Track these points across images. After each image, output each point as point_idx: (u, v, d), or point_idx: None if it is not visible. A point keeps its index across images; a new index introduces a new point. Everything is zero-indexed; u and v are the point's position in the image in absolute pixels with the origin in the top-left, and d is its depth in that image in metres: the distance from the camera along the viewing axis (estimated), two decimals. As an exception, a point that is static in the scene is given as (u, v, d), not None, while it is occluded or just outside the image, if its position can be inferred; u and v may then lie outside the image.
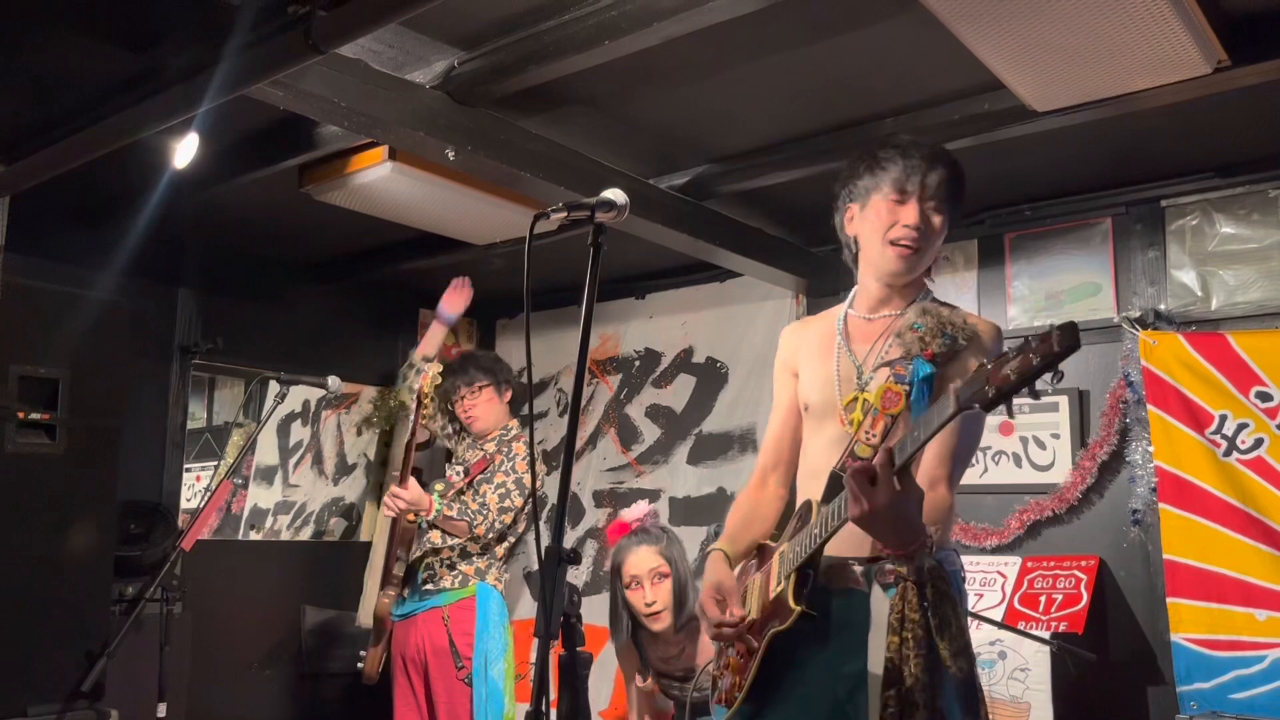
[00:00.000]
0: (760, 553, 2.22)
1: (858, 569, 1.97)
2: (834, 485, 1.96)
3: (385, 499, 3.70)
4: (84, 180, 3.46)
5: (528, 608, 5.08)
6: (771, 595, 2.03)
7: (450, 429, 4.11)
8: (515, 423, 4.06)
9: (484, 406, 3.95)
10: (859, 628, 1.94)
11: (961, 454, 2.00)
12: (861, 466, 1.70)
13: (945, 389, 1.75)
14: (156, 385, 4.52)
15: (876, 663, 1.85)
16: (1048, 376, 1.51)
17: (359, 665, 3.83)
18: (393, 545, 3.73)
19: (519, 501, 3.80)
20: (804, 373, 2.22)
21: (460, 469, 3.91)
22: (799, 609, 1.93)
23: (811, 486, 2.10)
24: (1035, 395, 1.55)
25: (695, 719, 3.35)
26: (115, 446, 3.61)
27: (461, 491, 3.85)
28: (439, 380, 3.98)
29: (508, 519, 3.79)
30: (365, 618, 4.33)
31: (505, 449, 3.92)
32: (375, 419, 5.44)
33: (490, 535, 3.76)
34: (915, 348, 1.97)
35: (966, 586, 2.30)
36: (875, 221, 2.10)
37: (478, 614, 3.76)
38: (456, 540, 3.76)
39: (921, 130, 3.19)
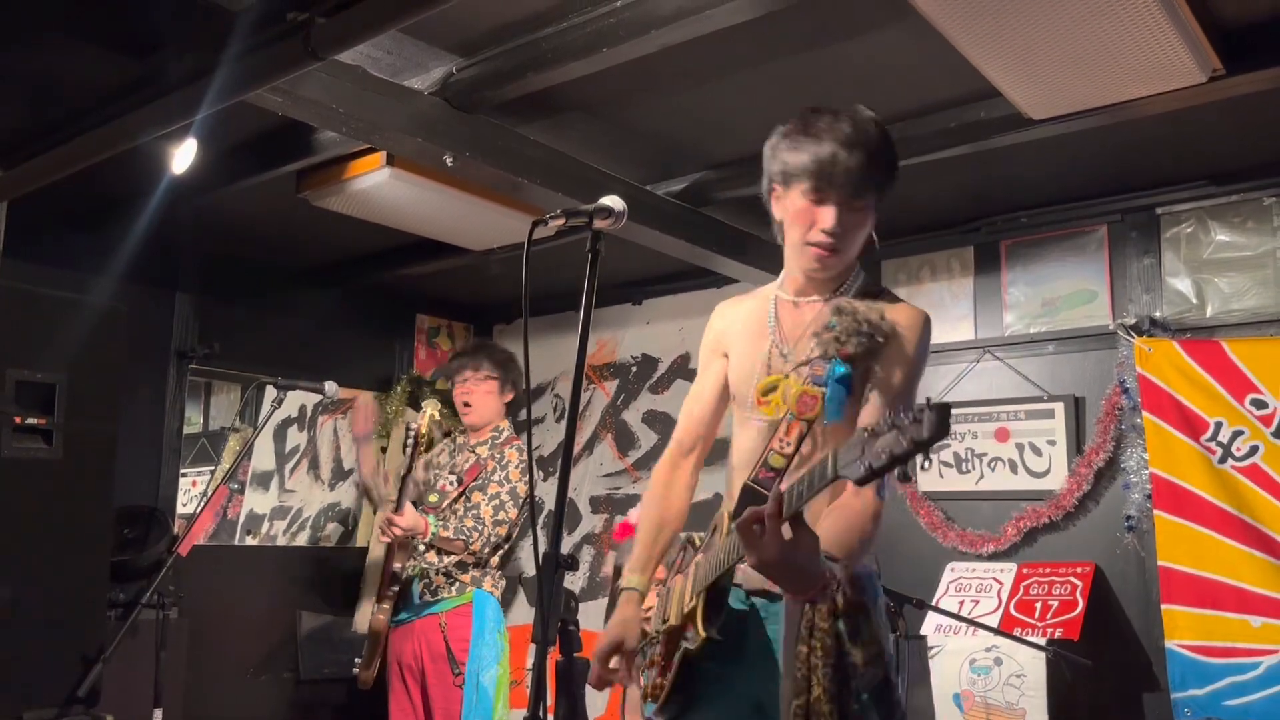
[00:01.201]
0: (683, 552, 2.17)
1: None
2: (745, 499, 1.89)
3: (379, 524, 3.68)
4: (82, 185, 3.46)
5: (524, 613, 5.07)
6: (685, 608, 1.99)
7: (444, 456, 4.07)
8: (508, 424, 4.04)
9: (482, 397, 3.93)
10: (771, 636, 1.93)
11: None
12: (749, 517, 1.61)
13: (873, 410, 1.76)
14: (153, 390, 4.52)
15: (788, 671, 1.81)
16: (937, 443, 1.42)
17: (354, 671, 3.83)
18: (389, 561, 3.73)
19: (513, 514, 3.79)
20: (734, 356, 2.16)
21: (453, 477, 3.89)
22: (704, 636, 1.90)
23: (734, 484, 2.05)
24: (905, 478, 1.50)
25: None
26: (112, 451, 3.60)
27: (455, 500, 3.84)
28: (438, 418, 3.96)
29: (502, 531, 3.78)
30: (361, 624, 4.32)
31: (498, 454, 3.90)
32: (375, 423, 5.43)
33: (486, 550, 3.76)
34: (831, 348, 1.88)
35: (962, 593, 2.28)
36: (794, 216, 2.00)
37: (474, 620, 3.76)
38: (452, 557, 3.76)
39: (918, 138, 3.21)
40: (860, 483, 1.49)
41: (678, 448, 2.31)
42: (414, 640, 3.77)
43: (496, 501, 3.79)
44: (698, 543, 2.16)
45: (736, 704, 1.96)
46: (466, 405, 3.92)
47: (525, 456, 3.90)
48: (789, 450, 1.89)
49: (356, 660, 3.81)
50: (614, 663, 2.05)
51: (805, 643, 1.74)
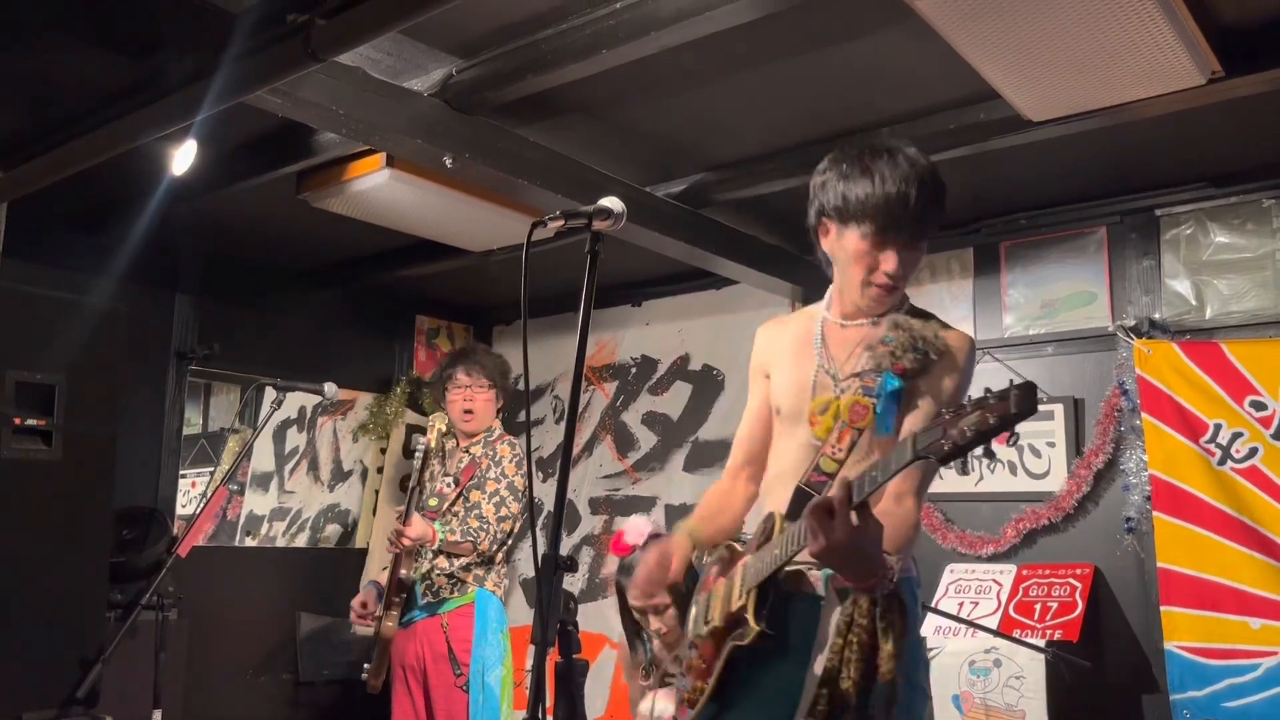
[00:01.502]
0: (728, 556, 2.20)
1: (815, 575, 1.98)
2: (798, 500, 1.95)
3: (389, 537, 3.66)
4: (82, 186, 3.46)
5: (524, 614, 5.07)
6: (734, 607, 2.03)
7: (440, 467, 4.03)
8: (498, 423, 4.03)
9: (483, 405, 3.91)
10: (814, 632, 1.95)
11: (929, 468, 1.94)
12: (820, 503, 1.66)
13: (922, 417, 1.79)
14: (153, 391, 4.52)
15: (819, 663, 1.87)
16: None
17: (363, 676, 3.82)
18: (395, 568, 3.72)
19: (515, 508, 3.79)
20: (776, 375, 2.20)
21: (449, 479, 3.88)
22: (758, 629, 1.93)
23: (778, 491, 2.09)
24: (989, 455, 1.54)
25: None
26: (111, 452, 3.60)
27: (453, 501, 3.84)
28: (444, 430, 3.95)
29: (506, 527, 3.78)
30: (361, 626, 4.30)
31: (490, 451, 3.88)
32: (371, 426, 5.43)
33: (494, 548, 3.77)
34: (886, 362, 1.94)
35: (962, 595, 2.31)
36: (853, 259, 2.03)
37: (476, 620, 3.75)
38: (460, 560, 3.76)
39: (917, 139, 3.21)
40: (943, 460, 1.54)
41: (732, 464, 2.36)
42: (416, 641, 3.76)
43: (497, 499, 3.79)
44: (739, 547, 2.18)
45: (779, 702, 1.97)
46: (468, 413, 3.89)
47: (519, 451, 3.90)
48: (841, 456, 1.95)
49: (366, 666, 3.79)
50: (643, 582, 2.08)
51: (843, 635, 1.81)
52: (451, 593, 3.77)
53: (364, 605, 3.78)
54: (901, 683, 1.82)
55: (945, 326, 2.05)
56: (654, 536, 3.30)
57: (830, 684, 1.81)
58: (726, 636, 2.03)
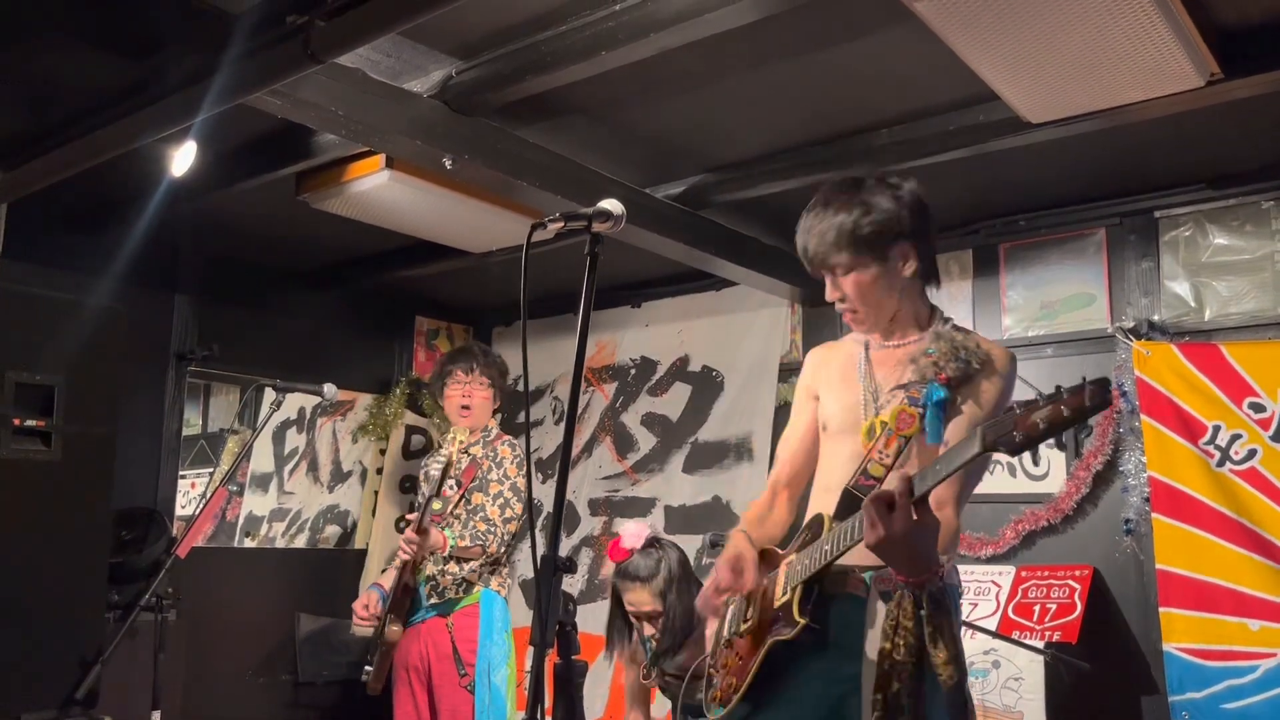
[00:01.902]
0: (764, 558, 2.22)
1: (861, 575, 2.02)
2: (846, 502, 2.00)
3: (401, 544, 3.65)
4: (81, 187, 3.47)
5: (523, 615, 5.07)
6: (776, 603, 2.06)
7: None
8: (495, 422, 4.05)
9: (480, 401, 3.91)
10: (856, 632, 1.99)
11: (970, 478, 2.03)
12: (881, 494, 1.72)
13: (966, 422, 1.86)
14: (152, 392, 4.52)
15: (869, 667, 1.91)
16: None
17: (364, 679, 3.81)
18: (403, 575, 3.72)
19: (519, 508, 3.79)
20: (825, 396, 2.27)
21: (451, 482, 3.88)
22: (804, 622, 1.97)
23: (824, 500, 2.14)
24: (1061, 445, 1.61)
25: (686, 717, 3.36)
26: (110, 453, 3.61)
27: (456, 504, 3.83)
28: (462, 441, 3.95)
29: (513, 528, 3.79)
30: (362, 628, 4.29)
31: (491, 452, 3.88)
32: (371, 427, 5.43)
33: (502, 549, 3.78)
34: (930, 372, 2.01)
35: (961, 596, 2.33)
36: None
37: (481, 620, 3.76)
38: (468, 565, 3.76)
39: (916, 141, 3.22)
40: (1014, 452, 1.60)
41: (774, 480, 2.41)
42: (420, 642, 3.77)
43: (501, 500, 3.79)
44: (778, 551, 2.23)
45: (814, 701, 2.02)
46: (466, 408, 3.89)
47: (519, 451, 3.90)
48: (888, 461, 2.01)
49: (367, 668, 3.79)
50: (725, 585, 2.12)
51: (889, 639, 1.85)
52: (457, 593, 3.77)
53: (366, 608, 3.78)
54: (954, 687, 1.85)
55: (985, 340, 2.11)
56: (652, 541, 3.30)
57: (884, 689, 1.85)
58: (766, 633, 2.06)
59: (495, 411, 4.06)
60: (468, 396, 3.89)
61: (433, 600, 3.77)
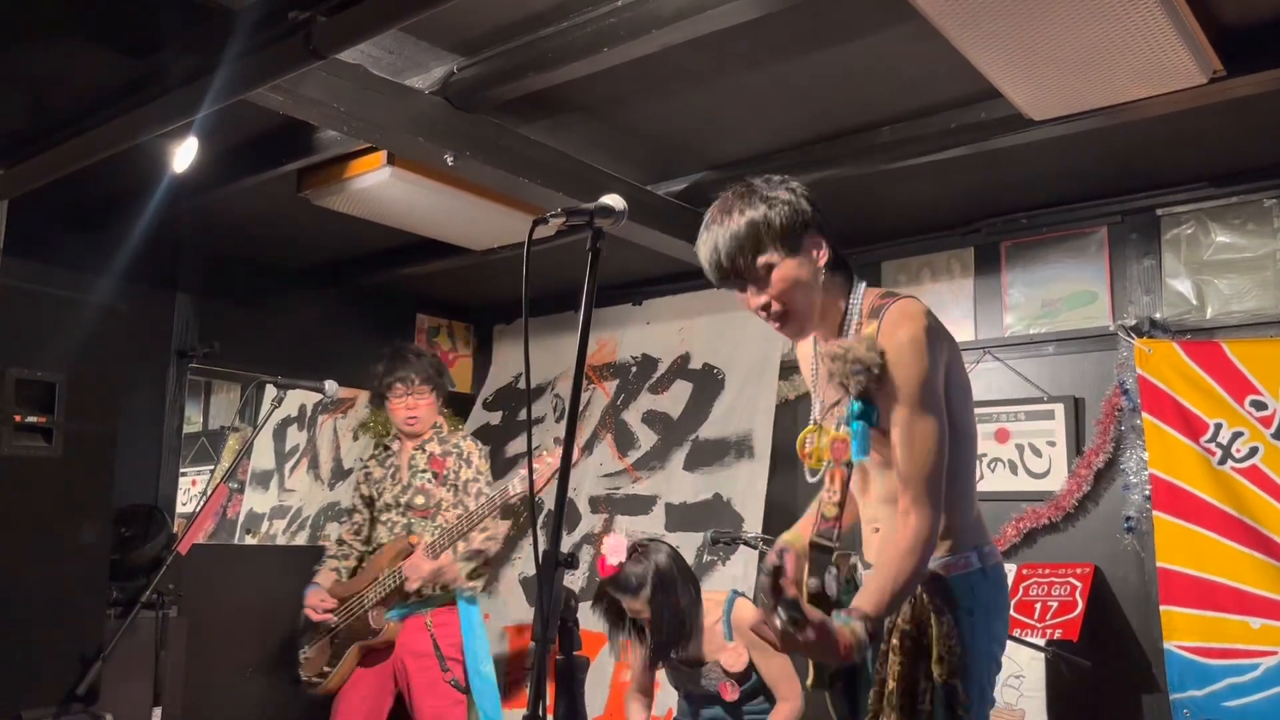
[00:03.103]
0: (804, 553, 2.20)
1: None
2: (815, 555, 2.02)
3: (413, 576, 3.69)
4: (82, 184, 3.46)
5: (524, 612, 5.07)
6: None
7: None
8: (443, 419, 4.12)
9: (425, 409, 3.97)
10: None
11: (925, 463, 1.92)
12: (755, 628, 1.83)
13: (897, 409, 1.91)
14: (153, 389, 4.52)
15: (870, 665, 1.98)
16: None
17: (313, 677, 3.81)
18: (388, 582, 3.78)
19: (489, 492, 3.88)
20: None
21: (426, 474, 3.92)
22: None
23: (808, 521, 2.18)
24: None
25: (699, 705, 3.37)
26: (111, 450, 3.60)
27: (438, 500, 3.90)
28: (419, 444, 4.01)
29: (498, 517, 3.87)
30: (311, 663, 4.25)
31: (455, 449, 3.97)
32: (372, 424, 5.43)
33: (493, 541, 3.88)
34: (842, 393, 1.97)
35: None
36: None
37: (462, 618, 3.82)
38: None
39: (919, 138, 3.21)
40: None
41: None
42: (397, 639, 3.79)
43: (483, 498, 3.86)
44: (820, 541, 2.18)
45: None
46: (413, 418, 3.95)
47: (481, 445, 4.05)
48: (837, 498, 2.02)
49: (326, 670, 3.79)
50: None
51: (886, 641, 1.93)
52: (436, 593, 3.81)
53: (321, 600, 3.82)
54: (960, 684, 1.88)
55: (890, 303, 2.00)
56: (636, 548, 3.30)
57: (880, 684, 1.93)
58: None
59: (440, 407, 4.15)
60: (412, 408, 3.95)
61: (412, 600, 3.79)
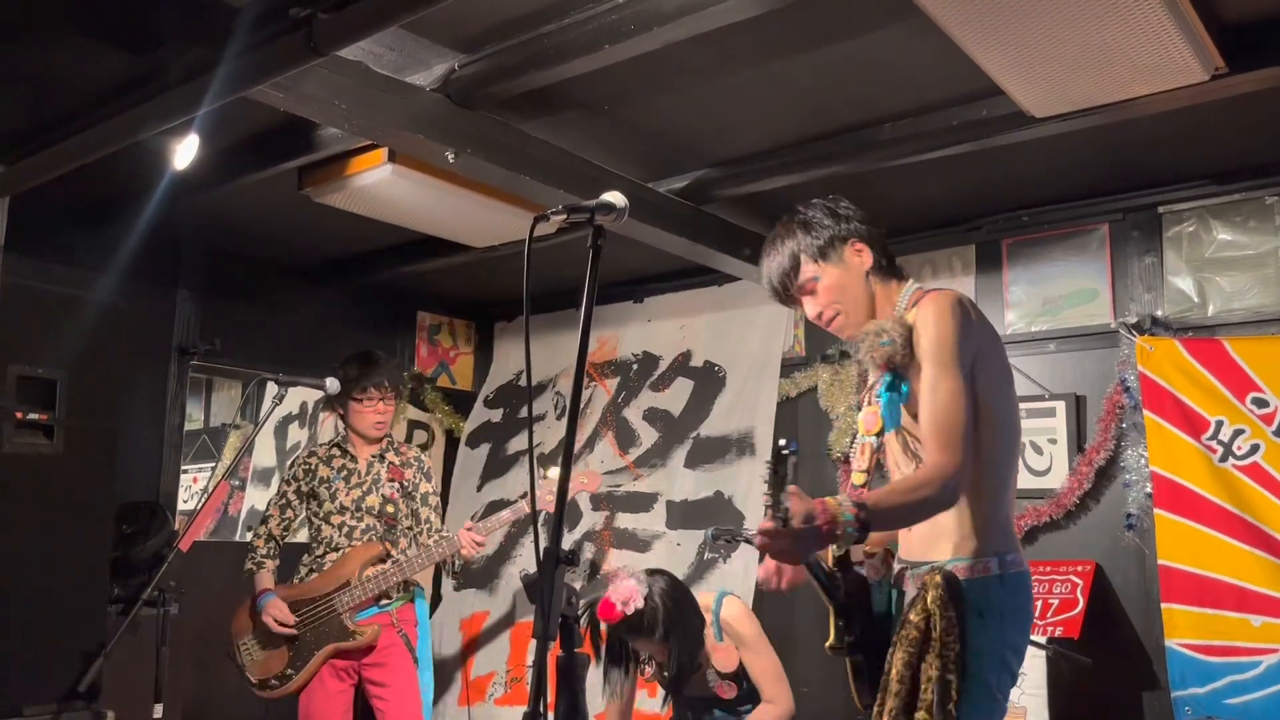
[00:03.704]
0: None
1: (909, 574, 2.16)
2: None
3: (470, 545, 3.84)
4: (84, 181, 3.46)
5: (526, 610, 5.07)
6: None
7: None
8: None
9: (390, 414, 4.00)
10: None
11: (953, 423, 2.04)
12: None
13: (924, 383, 2.04)
14: (154, 386, 4.52)
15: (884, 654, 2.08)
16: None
17: (270, 679, 3.79)
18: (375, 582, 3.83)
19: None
20: None
21: (395, 485, 3.94)
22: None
23: None
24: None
25: (699, 711, 3.36)
26: (113, 447, 3.61)
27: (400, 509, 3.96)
28: (378, 452, 4.03)
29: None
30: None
31: (414, 462, 4.04)
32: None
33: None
34: (871, 367, 2.15)
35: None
36: None
37: (418, 612, 3.96)
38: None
39: (920, 136, 3.21)
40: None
41: None
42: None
43: (434, 499, 4.05)
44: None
45: None
46: (380, 424, 3.96)
47: (422, 454, 4.14)
48: (865, 466, 2.21)
49: (288, 673, 3.76)
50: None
51: (899, 631, 2.03)
52: (399, 593, 3.90)
53: (283, 613, 3.78)
54: (955, 680, 1.94)
55: (925, 302, 2.15)
56: (637, 593, 3.25)
57: (889, 668, 2.02)
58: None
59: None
60: (383, 414, 3.96)
61: (382, 604, 3.85)
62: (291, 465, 4.05)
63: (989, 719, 2.01)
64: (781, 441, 1.94)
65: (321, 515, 3.89)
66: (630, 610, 3.17)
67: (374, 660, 3.81)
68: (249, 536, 4.13)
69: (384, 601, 3.84)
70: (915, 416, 2.07)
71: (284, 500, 3.96)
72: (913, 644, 1.98)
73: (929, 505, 1.97)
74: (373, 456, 3.97)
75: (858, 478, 2.21)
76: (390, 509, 3.91)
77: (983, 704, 1.98)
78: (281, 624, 3.73)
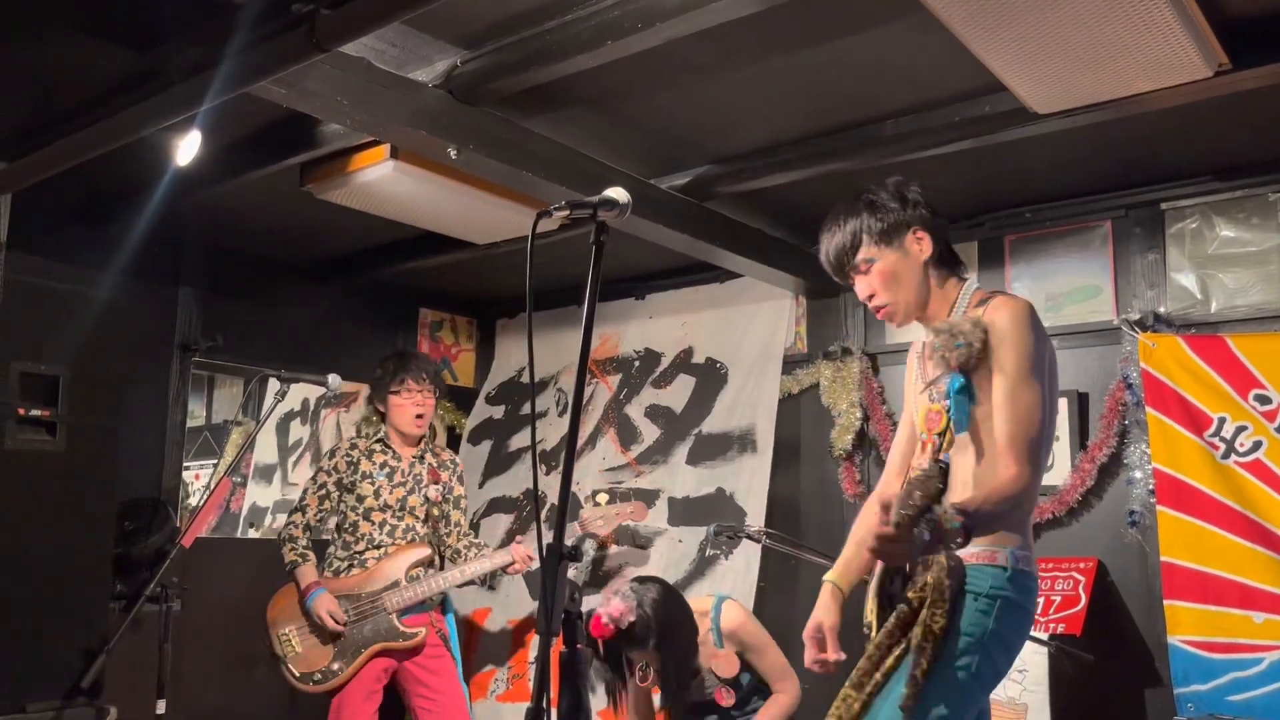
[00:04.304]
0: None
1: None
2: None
3: (522, 560, 3.95)
4: (86, 178, 3.47)
5: (528, 605, 5.07)
6: (867, 618, 2.23)
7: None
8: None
9: (430, 410, 4.02)
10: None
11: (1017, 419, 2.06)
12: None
13: (1000, 391, 2.04)
14: (156, 383, 4.52)
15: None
16: None
17: (314, 673, 3.80)
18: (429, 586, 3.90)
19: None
20: (908, 400, 2.42)
21: (437, 487, 3.98)
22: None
23: None
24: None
25: (696, 713, 3.36)
26: (115, 444, 3.61)
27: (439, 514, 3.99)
28: (417, 453, 4.07)
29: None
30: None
31: (449, 465, 4.09)
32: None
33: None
34: (942, 366, 2.12)
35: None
36: None
37: (448, 617, 4.04)
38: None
39: (922, 132, 3.21)
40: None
41: (888, 473, 2.50)
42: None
43: (465, 502, 4.13)
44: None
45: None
46: (420, 417, 3.97)
47: (456, 456, 4.18)
48: (924, 465, 2.16)
49: (335, 667, 3.78)
50: (812, 660, 2.31)
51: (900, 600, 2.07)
52: (437, 594, 3.95)
53: (334, 610, 3.77)
54: (924, 661, 1.95)
55: (995, 298, 2.18)
56: (628, 608, 3.24)
57: (879, 635, 2.09)
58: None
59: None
60: (422, 405, 3.96)
61: (424, 602, 3.89)
62: (331, 455, 4.02)
63: (957, 697, 1.99)
64: (943, 457, 2.03)
65: (361, 511, 3.88)
66: (624, 624, 3.17)
67: (420, 661, 3.82)
68: (278, 525, 4.14)
69: (425, 603, 3.87)
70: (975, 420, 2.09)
71: (323, 491, 3.94)
72: (901, 616, 2.02)
73: (1008, 516, 2.01)
74: (414, 457, 4.01)
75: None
76: (435, 512, 3.98)
77: (950, 681, 1.98)
78: (336, 621, 3.73)
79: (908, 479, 2.08)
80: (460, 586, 4.08)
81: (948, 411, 2.10)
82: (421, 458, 4.01)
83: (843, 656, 2.28)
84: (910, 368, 2.43)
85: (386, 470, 3.94)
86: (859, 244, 2.25)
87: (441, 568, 4.02)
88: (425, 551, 3.88)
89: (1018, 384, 2.05)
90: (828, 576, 2.39)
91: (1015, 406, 2.04)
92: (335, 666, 3.75)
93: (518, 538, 3.97)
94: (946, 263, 2.29)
